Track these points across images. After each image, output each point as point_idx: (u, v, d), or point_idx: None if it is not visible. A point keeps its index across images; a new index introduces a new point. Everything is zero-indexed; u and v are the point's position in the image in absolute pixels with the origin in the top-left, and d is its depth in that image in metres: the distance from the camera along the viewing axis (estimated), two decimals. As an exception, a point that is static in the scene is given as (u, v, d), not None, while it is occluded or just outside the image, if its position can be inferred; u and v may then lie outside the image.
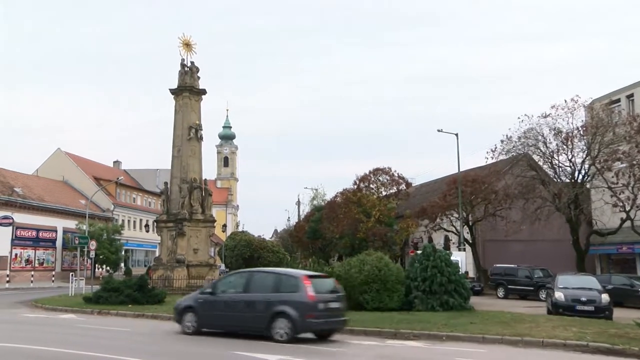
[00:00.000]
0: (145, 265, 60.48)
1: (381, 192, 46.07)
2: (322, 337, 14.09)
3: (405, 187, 46.15)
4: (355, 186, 45.49)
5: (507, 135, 33.98)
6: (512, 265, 32.83)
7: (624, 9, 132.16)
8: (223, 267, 51.20)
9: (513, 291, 31.68)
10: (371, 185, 45.76)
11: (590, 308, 19.60)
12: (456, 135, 37.84)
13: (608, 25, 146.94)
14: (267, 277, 14.72)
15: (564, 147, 32.01)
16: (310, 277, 14.09)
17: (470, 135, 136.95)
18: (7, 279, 39.55)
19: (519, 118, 34.50)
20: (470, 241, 39.41)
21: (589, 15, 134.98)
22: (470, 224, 39.70)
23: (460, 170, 38.45)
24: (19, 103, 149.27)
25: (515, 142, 33.67)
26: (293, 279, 14.04)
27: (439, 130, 37.79)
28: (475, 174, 39.71)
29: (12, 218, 43.90)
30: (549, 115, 32.13)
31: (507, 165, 37.34)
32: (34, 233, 48.68)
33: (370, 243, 39.74)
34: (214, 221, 34.99)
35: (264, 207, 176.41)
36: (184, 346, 13.22)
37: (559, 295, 20.31)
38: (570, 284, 21.07)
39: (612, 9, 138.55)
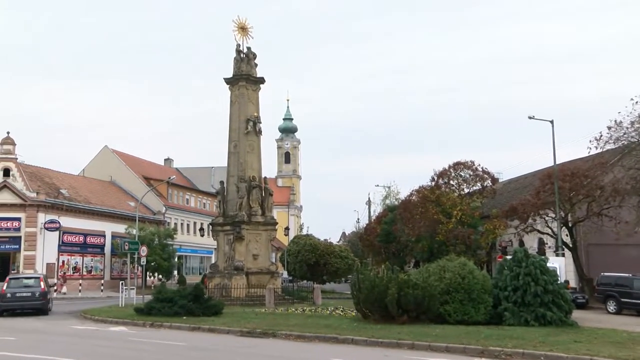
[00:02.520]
0: (200, 273, 62.09)
1: (463, 189, 45.23)
2: (44, 314, 25.98)
3: (490, 183, 45.18)
4: (433, 183, 44.90)
5: (615, 121, 32.51)
6: (626, 275, 31.36)
7: None
8: (286, 274, 51.64)
9: (628, 306, 30.20)
10: (451, 182, 45.03)
11: None
12: (551, 122, 36.77)
13: None
14: None
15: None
16: (12, 278, 27.58)
17: (564, 124, 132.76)
18: (55, 287, 41.33)
19: (632, 99, 32.83)
20: (570, 245, 38.15)
21: None
22: (570, 225, 38.41)
23: (557, 162, 37.36)
24: (61, 99, 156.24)
25: (627, 128, 32.21)
26: None
27: (530, 117, 36.76)
28: (574, 166, 38.36)
29: (59, 222, 46.04)
30: None
31: (615, 155, 35.88)
32: (82, 238, 50.69)
33: (451, 247, 39.17)
34: (275, 224, 35.39)
35: (330, 207, 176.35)
36: None
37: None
38: None
39: None
